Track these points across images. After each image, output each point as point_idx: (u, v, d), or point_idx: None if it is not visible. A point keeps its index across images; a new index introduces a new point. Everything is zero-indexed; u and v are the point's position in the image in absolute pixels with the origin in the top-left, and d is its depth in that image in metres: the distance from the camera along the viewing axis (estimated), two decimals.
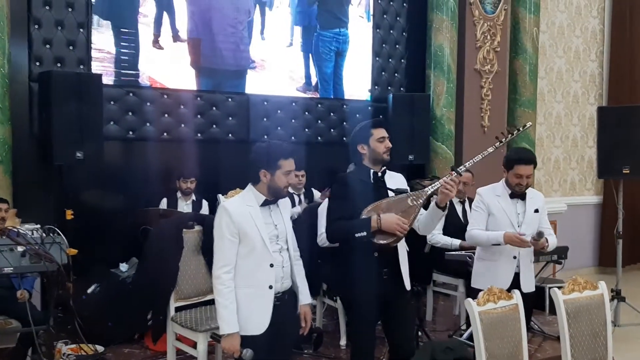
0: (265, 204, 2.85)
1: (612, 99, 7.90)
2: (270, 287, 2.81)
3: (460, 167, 3.18)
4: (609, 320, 3.37)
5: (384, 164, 3.20)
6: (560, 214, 7.34)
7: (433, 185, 3.12)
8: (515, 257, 3.76)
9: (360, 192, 3.13)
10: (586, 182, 8.18)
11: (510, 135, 3.41)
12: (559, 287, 3.34)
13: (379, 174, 3.19)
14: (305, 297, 3.02)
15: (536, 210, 3.79)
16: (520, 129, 3.51)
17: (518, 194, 3.78)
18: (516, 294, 3.15)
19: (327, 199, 4.44)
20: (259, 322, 2.79)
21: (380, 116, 6.43)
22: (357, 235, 3.03)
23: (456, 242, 4.67)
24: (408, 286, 3.19)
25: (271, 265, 2.82)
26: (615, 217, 7.23)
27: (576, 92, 8.03)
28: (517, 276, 3.75)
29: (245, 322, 2.78)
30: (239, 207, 2.82)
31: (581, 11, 7.97)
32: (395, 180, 3.23)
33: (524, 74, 7.05)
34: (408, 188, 3.25)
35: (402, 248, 3.17)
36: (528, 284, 3.76)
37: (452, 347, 2.36)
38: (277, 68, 6.15)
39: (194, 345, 3.67)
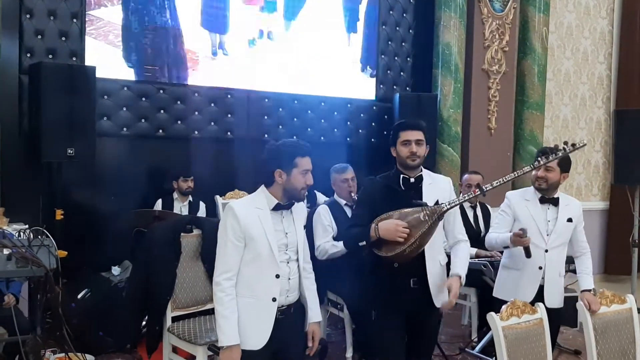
0: (277, 208, 2.62)
1: (621, 103, 7.71)
2: (274, 299, 2.58)
3: (486, 186, 2.94)
4: (638, 337, 3.15)
5: (414, 169, 2.94)
6: None
7: (450, 202, 2.87)
8: (540, 268, 3.48)
9: (385, 198, 2.90)
10: (592, 187, 7.99)
11: (557, 153, 3.05)
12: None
13: (412, 179, 2.94)
14: (314, 314, 2.78)
15: (569, 220, 3.50)
16: (570, 147, 3.04)
17: (548, 199, 3.51)
18: (540, 307, 2.94)
19: (321, 207, 4.29)
20: (258, 336, 2.55)
21: (385, 116, 6.30)
22: (360, 244, 2.86)
23: (472, 250, 4.43)
24: (438, 303, 2.93)
25: (277, 276, 2.59)
26: (624, 223, 7.09)
27: (584, 95, 7.84)
28: (542, 289, 3.49)
29: (244, 335, 2.54)
30: (248, 209, 2.58)
31: (590, 11, 7.78)
32: (436, 186, 2.97)
33: (532, 75, 6.85)
34: (453, 194, 2.98)
35: (432, 261, 2.92)
36: (552, 299, 3.47)
37: None
38: (276, 64, 5.91)
39: (188, 356, 3.43)
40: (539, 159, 3.08)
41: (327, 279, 4.18)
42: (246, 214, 2.56)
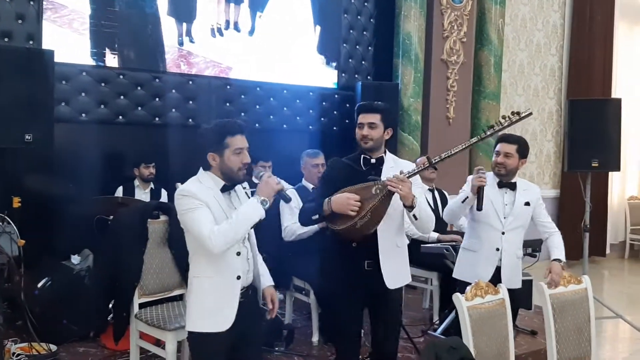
0: (224, 189, 2.58)
1: (571, 93, 7.98)
2: (238, 277, 2.57)
3: (435, 158, 2.96)
4: (593, 315, 3.31)
5: (369, 151, 3.01)
6: None
7: (404, 174, 2.87)
8: (498, 249, 3.60)
9: (346, 177, 2.96)
10: (544, 175, 8.27)
11: (502, 123, 3.09)
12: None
13: (373, 160, 3.01)
14: (267, 279, 2.78)
15: (527, 203, 3.63)
16: (516, 116, 3.08)
17: (506, 183, 3.64)
18: (502, 288, 3.05)
19: (288, 191, 4.34)
20: (225, 316, 2.53)
21: (347, 105, 6.35)
22: (312, 217, 2.93)
23: (434, 235, 4.54)
24: (390, 284, 2.96)
25: (238, 254, 2.58)
26: (574, 210, 7.38)
27: (536, 86, 8.09)
28: (499, 270, 3.59)
29: (211, 317, 2.54)
30: (200, 188, 2.54)
31: (543, 5, 8.02)
32: (397, 169, 2.98)
33: (489, 65, 7.02)
34: (415, 179, 2.99)
35: (386, 242, 2.96)
36: (510, 280, 3.57)
37: (456, 347, 2.22)
38: (239, 51, 5.88)
39: (156, 342, 3.42)
40: (485, 131, 3.10)
41: (293, 265, 4.24)
42: (201, 191, 2.51)
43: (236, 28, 5.84)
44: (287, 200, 2.64)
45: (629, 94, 8.50)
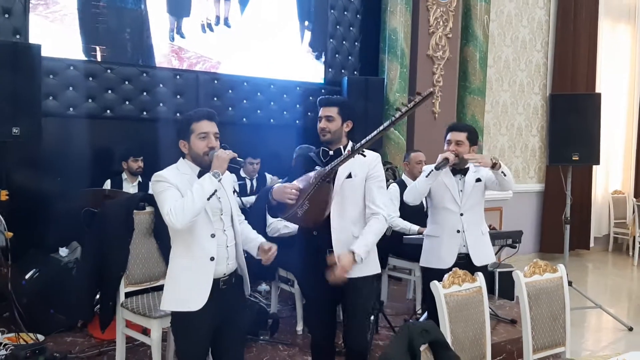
0: (201, 175, 2.64)
1: (556, 89, 8.09)
2: (212, 259, 2.63)
3: (357, 145, 2.91)
4: (568, 304, 3.39)
5: (329, 143, 3.06)
6: (505, 201, 7.48)
7: (333, 163, 2.89)
8: (458, 231, 3.67)
9: (307, 169, 3.04)
10: (529, 170, 8.37)
11: (408, 105, 2.88)
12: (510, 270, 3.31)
13: (331, 152, 3.06)
14: (258, 238, 2.91)
15: (478, 180, 3.71)
16: (419, 97, 2.85)
17: (459, 170, 3.71)
18: (479, 276, 3.13)
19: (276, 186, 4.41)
20: (197, 296, 2.60)
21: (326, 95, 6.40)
22: (267, 207, 3.05)
23: (414, 227, 4.62)
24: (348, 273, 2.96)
25: (212, 236, 2.65)
26: (557, 204, 7.48)
27: (522, 82, 8.18)
28: (468, 256, 3.66)
29: (182, 297, 2.61)
30: (176, 174, 2.64)
31: (528, 1, 8.12)
32: (357, 160, 2.98)
33: (474, 61, 7.10)
34: (377, 169, 3.06)
35: (340, 231, 2.98)
36: (480, 257, 3.67)
37: (428, 330, 2.30)
38: (227, 47, 5.93)
39: (142, 330, 3.48)
40: (394, 114, 2.94)
41: (278, 256, 4.29)
42: (176, 178, 2.61)
43: (226, 24, 5.90)
44: (240, 165, 2.70)
45: (613, 90, 8.63)
